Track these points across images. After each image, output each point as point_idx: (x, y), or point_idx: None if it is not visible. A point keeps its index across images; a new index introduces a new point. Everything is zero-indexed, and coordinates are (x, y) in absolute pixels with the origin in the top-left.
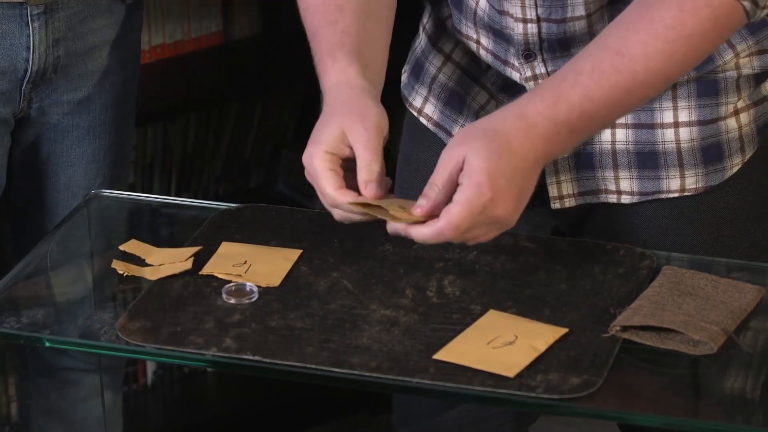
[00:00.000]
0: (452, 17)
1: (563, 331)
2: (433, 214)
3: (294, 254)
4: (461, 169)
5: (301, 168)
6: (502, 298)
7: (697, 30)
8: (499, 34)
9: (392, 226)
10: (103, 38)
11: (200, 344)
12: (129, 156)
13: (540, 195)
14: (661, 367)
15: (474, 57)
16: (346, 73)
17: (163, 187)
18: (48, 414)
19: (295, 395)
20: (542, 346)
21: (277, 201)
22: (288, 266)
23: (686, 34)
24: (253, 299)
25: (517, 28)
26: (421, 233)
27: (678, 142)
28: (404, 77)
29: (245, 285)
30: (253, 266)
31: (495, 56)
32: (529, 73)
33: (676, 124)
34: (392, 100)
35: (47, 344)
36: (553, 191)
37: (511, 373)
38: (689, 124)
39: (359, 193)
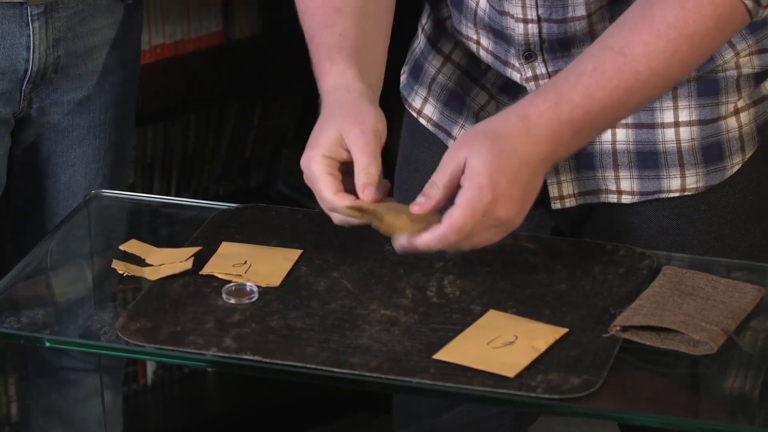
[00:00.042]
0: (452, 18)
1: (563, 331)
2: (430, 213)
3: (294, 254)
4: (462, 171)
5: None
6: (502, 298)
7: (699, 28)
8: (500, 35)
9: (399, 246)
10: (103, 38)
11: (200, 344)
12: (129, 156)
13: (540, 195)
14: (661, 367)
15: (474, 57)
16: (344, 76)
17: (163, 187)
18: (48, 414)
19: (295, 395)
20: (542, 346)
21: (277, 201)
22: (288, 266)
23: (688, 33)
24: (253, 299)
25: (518, 29)
26: (425, 241)
27: (678, 141)
28: (403, 78)
29: (245, 285)
30: (253, 266)
31: (495, 57)
32: (529, 74)
33: (677, 124)
34: (391, 100)
35: (47, 344)
36: (553, 191)
37: (511, 373)
38: (689, 123)
39: (357, 197)
